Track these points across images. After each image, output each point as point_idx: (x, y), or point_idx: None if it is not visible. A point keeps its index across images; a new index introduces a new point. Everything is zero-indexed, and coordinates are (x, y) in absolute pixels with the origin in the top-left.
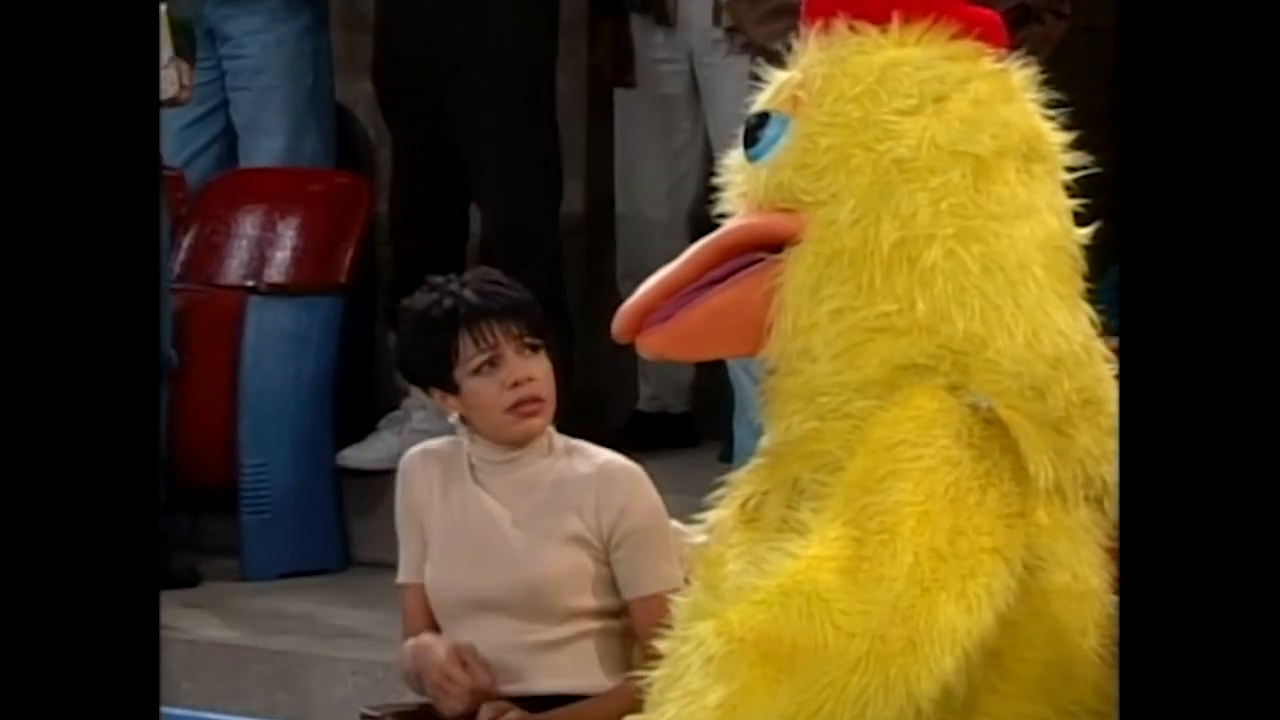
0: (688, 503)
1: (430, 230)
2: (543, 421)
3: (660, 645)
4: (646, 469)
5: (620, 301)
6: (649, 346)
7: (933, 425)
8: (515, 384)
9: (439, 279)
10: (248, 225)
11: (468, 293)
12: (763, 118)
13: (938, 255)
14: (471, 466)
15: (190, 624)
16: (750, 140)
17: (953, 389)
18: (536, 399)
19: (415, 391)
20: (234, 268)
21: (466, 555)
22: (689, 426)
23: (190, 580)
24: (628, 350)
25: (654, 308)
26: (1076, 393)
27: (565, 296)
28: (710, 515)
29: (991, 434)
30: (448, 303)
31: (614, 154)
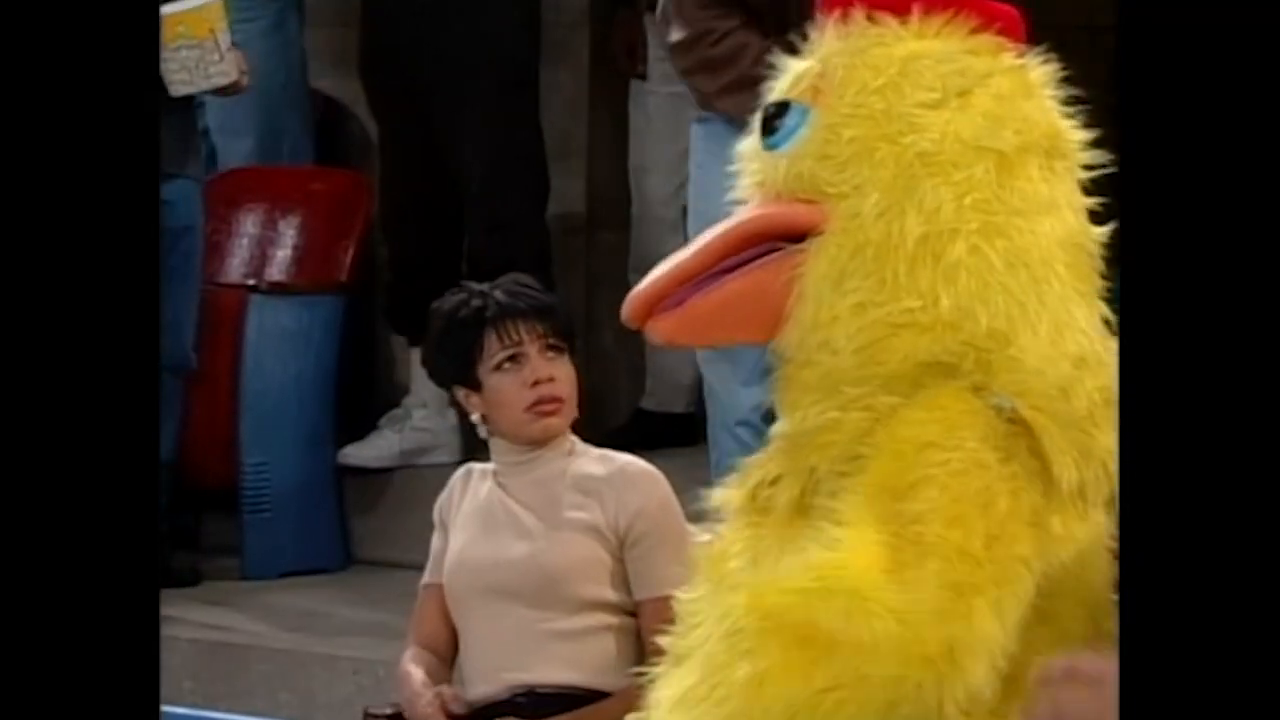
0: (688, 502)
1: (422, 228)
2: (562, 421)
3: (664, 643)
4: None
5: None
6: (659, 331)
7: (959, 427)
8: (536, 383)
9: (471, 284)
10: (248, 224)
11: (497, 293)
12: (782, 107)
13: (962, 251)
14: (494, 471)
15: (191, 623)
16: (768, 129)
17: (976, 390)
18: (557, 399)
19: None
20: (235, 266)
21: (483, 544)
22: (690, 426)
23: (191, 579)
24: (628, 349)
25: (665, 294)
26: (1098, 391)
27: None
28: (719, 493)
29: (1015, 435)
30: (476, 302)
31: (619, 152)
